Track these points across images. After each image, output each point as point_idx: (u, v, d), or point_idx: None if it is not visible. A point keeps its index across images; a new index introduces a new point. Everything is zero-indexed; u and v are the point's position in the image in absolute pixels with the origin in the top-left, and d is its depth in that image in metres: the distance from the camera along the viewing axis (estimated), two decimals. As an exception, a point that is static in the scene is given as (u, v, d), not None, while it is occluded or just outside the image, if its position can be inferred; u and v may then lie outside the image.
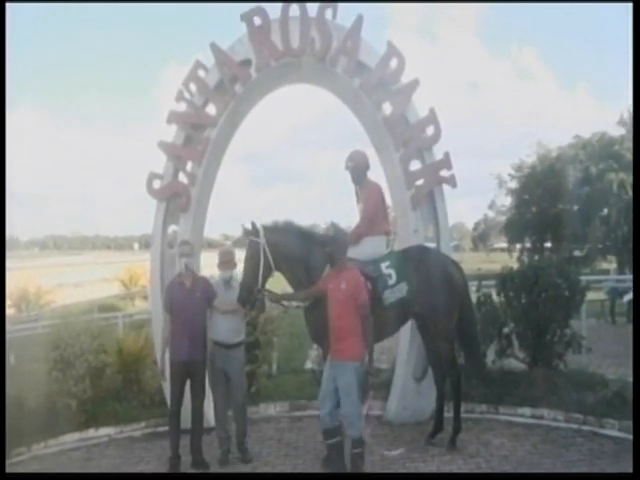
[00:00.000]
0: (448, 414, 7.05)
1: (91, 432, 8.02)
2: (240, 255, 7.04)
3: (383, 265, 6.66)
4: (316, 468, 6.33)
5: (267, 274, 6.50)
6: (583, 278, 9.40)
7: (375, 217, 6.90)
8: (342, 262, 6.09)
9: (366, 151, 7.34)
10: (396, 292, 6.59)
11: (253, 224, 6.49)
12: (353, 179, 7.11)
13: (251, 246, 6.45)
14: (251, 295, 6.42)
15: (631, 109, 29.51)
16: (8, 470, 6.69)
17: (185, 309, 6.58)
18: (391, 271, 6.64)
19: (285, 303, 7.00)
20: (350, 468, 5.99)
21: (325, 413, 6.00)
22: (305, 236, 6.62)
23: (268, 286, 6.66)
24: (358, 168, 7.03)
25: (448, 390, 7.07)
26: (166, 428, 7.12)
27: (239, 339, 6.90)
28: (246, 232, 6.51)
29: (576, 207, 34.61)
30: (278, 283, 7.30)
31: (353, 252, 6.63)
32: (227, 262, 6.94)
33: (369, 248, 6.83)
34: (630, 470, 5.01)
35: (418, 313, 6.80)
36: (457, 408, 6.94)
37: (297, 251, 6.52)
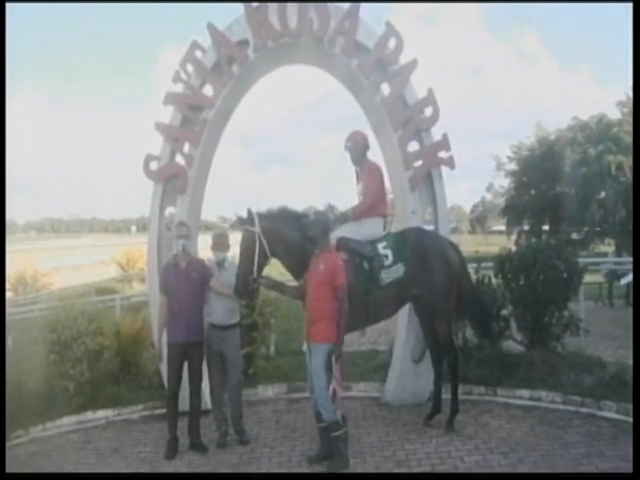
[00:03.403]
0: (446, 396, 7.04)
1: (89, 415, 8.02)
2: (234, 238, 7.04)
3: (380, 245, 6.66)
4: (314, 449, 6.32)
5: (263, 263, 6.47)
6: (581, 260, 9.37)
7: (376, 198, 6.89)
8: (324, 245, 6.07)
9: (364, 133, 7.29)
10: (393, 272, 6.59)
11: (249, 211, 6.44)
12: (352, 159, 7.07)
13: (246, 235, 6.41)
14: (247, 285, 6.39)
15: (630, 93, 29.47)
16: (7, 452, 6.70)
17: (181, 291, 6.57)
18: (388, 251, 6.63)
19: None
20: (333, 452, 6.00)
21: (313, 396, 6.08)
22: (300, 221, 6.56)
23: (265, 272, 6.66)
24: (357, 148, 7.00)
25: (446, 372, 7.07)
26: (164, 411, 7.11)
27: (234, 320, 6.88)
28: (241, 221, 6.45)
29: (574, 190, 34.53)
30: (274, 267, 7.28)
31: (351, 233, 6.65)
32: (220, 244, 6.92)
33: (367, 229, 6.82)
34: (628, 450, 5.04)
35: (416, 295, 6.79)
36: (454, 389, 6.95)
37: (292, 237, 6.47)
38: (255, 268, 6.36)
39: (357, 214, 6.84)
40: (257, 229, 6.34)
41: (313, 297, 5.95)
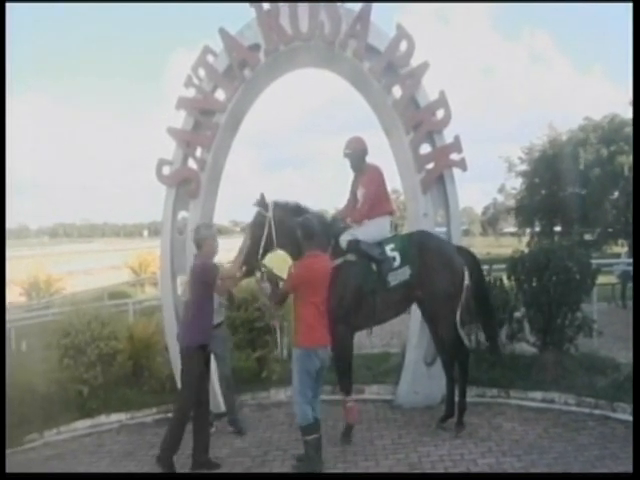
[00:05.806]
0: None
1: (102, 418, 8.05)
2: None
3: (388, 247, 6.73)
4: (327, 452, 6.30)
5: (267, 248, 6.53)
6: (594, 262, 9.31)
7: (377, 200, 6.97)
8: (305, 249, 6.07)
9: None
10: (400, 275, 6.66)
11: (262, 196, 6.67)
12: (352, 166, 7.16)
13: (257, 217, 6.64)
14: (249, 265, 6.55)
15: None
16: (21, 456, 6.73)
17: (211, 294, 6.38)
18: (395, 254, 6.70)
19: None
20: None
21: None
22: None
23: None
24: (356, 155, 7.08)
25: (458, 374, 7.06)
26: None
27: (221, 318, 7.24)
28: (256, 202, 6.66)
29: (586, 190, 34.38)
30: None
31: (360, 233, 6.74)
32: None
33: (374, 230, 6.92)
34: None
35: (420, 298, 6.83)
36: (463, 388, 6.94)
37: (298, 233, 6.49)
38: (260, 251, 6.52)
39: (358, 218, 6.96)
40: (269, 214, 6.56)
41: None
